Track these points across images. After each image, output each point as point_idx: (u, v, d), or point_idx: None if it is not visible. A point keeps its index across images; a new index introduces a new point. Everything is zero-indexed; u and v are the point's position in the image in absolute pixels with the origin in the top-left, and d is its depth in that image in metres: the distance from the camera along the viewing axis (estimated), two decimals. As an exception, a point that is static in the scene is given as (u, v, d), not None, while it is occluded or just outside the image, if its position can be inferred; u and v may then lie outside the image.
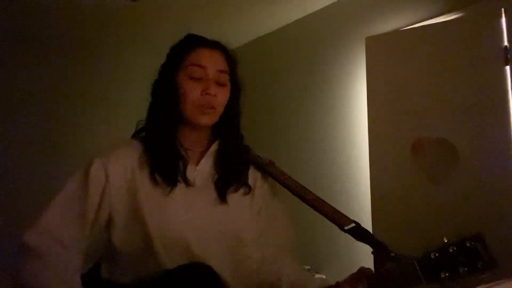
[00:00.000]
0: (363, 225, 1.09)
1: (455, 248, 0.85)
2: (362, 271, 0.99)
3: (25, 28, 3.42)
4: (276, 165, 1.23)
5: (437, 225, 2.15)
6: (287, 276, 1.12)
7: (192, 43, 1.16)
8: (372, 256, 1.07)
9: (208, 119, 1.12)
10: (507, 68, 2.15)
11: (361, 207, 2.60)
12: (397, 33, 2.60)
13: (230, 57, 1.18)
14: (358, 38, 2.77)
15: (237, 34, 3.58)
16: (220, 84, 1.13)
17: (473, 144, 2.19)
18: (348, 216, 1.10)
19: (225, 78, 1.15)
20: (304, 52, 3.34)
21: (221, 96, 1.13)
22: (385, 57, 2.53)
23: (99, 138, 3.58)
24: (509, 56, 2.16)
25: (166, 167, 1.09)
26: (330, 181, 2.96)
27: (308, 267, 2.87)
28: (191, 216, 1.09)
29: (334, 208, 1.11)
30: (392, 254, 0.95)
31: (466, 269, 0.84)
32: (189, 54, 1.13)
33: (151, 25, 3.44)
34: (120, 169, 1.08)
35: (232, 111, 1.18)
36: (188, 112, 1.11)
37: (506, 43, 2.17)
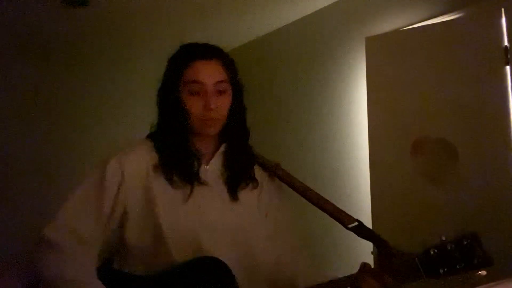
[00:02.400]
0: (363, 225, 1.14)
1: (452, 246, 0.91)
2: (367, 267, 1.03)
3: (26, 32, 3.43)
4: (282, 167, 1.29)
5: (437, 225, 2.16)
6: (302, 276, 1.17)
7: (188, 56, 1.19)
8: (372, 255, 1.10)
9: (213, 130, 1.18)
10: (507, 68, 2.15)
11: (361, 207, 2.60)
12: (397, 33, 2.60)
13: (227, 62, 1.21)
14: (358, 38, 2.77)
15: (237, 34, 3.58)
16: (220, 92, 1.17)
17: (473, 144, 2.18)
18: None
19: (225, 86, 1.19)
20: (304, 52, 3.34)
21: (223, 105, 1.18)
22: (385, 57, 2.53)
23: (101, 140, 3.58)
24: (509, 56, 2.15)
25: (181, 167, 1.15)
26: (330, 181, 2.96)
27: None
28: (204, 214, 1.15)
29: (337, 207, 1.16)
30: (394, 251, 1.01)
31: (462, 265, 0.90)
32: (186, 70, 1.17)
33: (151, 26, 3.44)
34: (136, 168, 1.14)
35: (237, 111, 1.22)
36: (194, 125, 1.16)
37: (506, 43, 2.16)
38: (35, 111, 3.58)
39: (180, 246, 1.10)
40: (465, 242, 0.91)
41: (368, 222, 2.39)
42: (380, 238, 1.07)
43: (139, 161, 1.15)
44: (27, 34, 3.46)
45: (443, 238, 0.93)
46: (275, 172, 1.27)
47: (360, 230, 1.11)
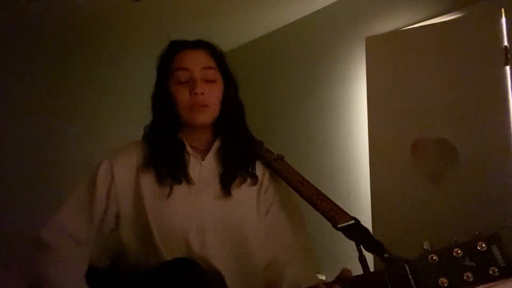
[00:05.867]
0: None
1: (459, 251, 0.75)
2: (344, 274, 0.89)
3: (23, 29, 3.43)
4: (284, 160, 1.23)
5: (437, 225, 2.16)
6: (288, 276, 1.10)
7: (174, 48, 1.19)
8: (372, 256, 1.02)
9: (202, 118, 1.14)
10: (507, 68, 2.16)
11: (361, 207, 2.60)
12: (397, 33, 2.61)
13: (215, 52, 1.19)
14: (358, 38, 2.78)
15: (237, 34, 3.59)
16: (208, 80, 1.14)
17: (473, 144, 2.19)
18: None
19: (213, 74, 1.16)
20: (304, 52, 3.34)
21: (212, 93, 1.14)
22: (385, 57, 2.54)
23: (97, 141, 3.58)
24: (509, 56, 2.16)
25: (169, 165, 1.13)
26: (330, 181, 2.96)
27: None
28: (192, 212, 1.11)
29: (334, 205, 1.06)
30: (386, 255, 0.86)
31: (472, 275, 0.73)
32: (173, 60, 1.16)
33: (149, 27, 3.44)
34: (125, 168, 1.14)
35: (230, 105, 1.19)
36: (183, 114, 1.14)
37: (506, 43, 2.17)
38: (31, 110, 3.58)
39: (169, 245, 1.08)
40: (480, 248, 0.73)
41: (368, 222, 2.40)
42: (375, 240, 0.93)
43: (130, 161, 1.15)
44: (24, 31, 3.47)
45: (454, 240, 0.76)
46: (273, 165, 1.20)
47: (353, 230, 0.97)
